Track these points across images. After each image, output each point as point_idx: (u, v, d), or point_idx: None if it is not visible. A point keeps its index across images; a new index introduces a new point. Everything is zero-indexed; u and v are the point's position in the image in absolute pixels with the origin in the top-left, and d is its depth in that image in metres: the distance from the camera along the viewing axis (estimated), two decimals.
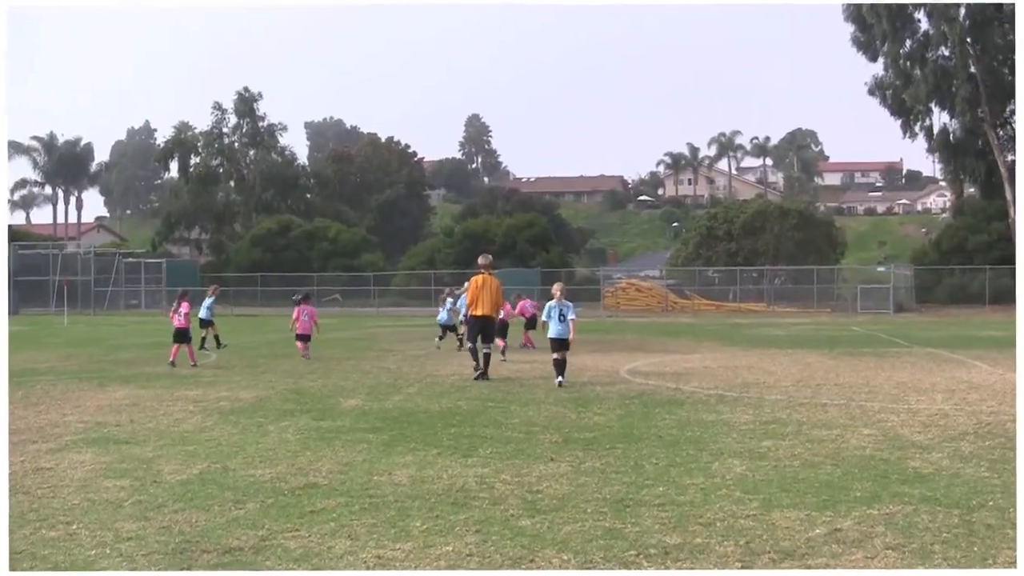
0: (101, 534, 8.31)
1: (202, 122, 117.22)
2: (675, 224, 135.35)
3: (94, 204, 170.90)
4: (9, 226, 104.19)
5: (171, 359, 24.51)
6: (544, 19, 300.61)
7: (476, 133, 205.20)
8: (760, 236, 75.68)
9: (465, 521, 8.59)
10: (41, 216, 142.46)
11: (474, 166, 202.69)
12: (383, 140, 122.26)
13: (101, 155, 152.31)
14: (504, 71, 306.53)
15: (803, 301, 63.60)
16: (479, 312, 21.10)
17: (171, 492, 9.87)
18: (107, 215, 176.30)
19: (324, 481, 10.30)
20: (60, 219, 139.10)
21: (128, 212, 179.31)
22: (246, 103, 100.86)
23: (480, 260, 22.03)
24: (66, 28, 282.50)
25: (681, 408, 15.82)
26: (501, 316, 25.42)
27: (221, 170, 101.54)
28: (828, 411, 15.51)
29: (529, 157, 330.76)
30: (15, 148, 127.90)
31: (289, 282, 67.22)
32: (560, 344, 19.67)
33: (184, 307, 25.49)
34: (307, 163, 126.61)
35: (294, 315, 27.66)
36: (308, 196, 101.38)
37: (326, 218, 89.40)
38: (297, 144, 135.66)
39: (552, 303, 20.17)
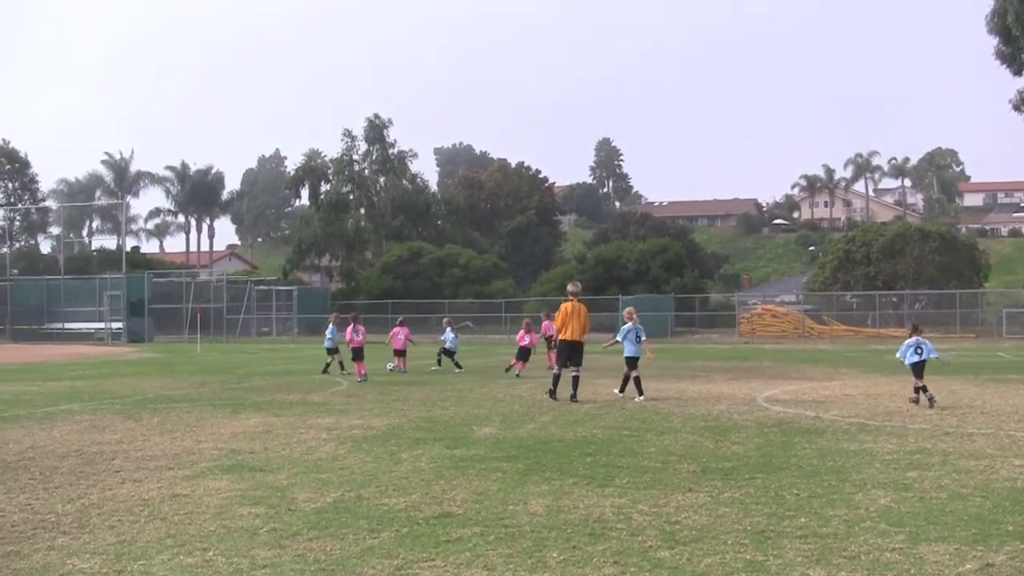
0: (237, 561, 8.31)
1: (332, 149, 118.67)
2: (811, 248, 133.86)
3: (226, 232, 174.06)
4: (144, 254, 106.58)
5: (360, 375, 28.71)
6: (674, 40, 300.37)
7: (607, 157, 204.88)
8: (900, 259, 74.34)
9: (603, 552, 8.43)
10: (174, 244, 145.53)
11: (605, 191, 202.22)
12: (513, 166, 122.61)
13: (232, 183, 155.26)
14: (635, 94, 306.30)
15: (945, 326, 62.12)
16: (568, 337, 22.29)
17: (305, 520, 9.84)
18: (238, 243, 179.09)
19: (459, 510, 10.19)
20: (193, 247, 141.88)
21: (259, 240, 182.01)
22: (376, 130, 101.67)
23: (570, 287, 23.40)
24: (198, 56, 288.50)
25: (821, 437, 15.45)
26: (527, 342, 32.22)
27: (351, 197, 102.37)
28: (975, 440, 15.05)
29: (661, 181, 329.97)
30: (149, 178, 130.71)
31: (420, 309, 67.55)
32: (635, 362, 22.58)
33: (361, 329, 30.06)
34: (437, 189, 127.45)
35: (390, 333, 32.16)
36: (439, 223, 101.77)
37: (457, 245, 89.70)
38: (427, 170, 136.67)
39: (628, 326, 22.80)
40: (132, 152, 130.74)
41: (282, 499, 10.87)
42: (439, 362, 34.06)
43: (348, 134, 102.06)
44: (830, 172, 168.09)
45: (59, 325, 72.76)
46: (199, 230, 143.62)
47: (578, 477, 12.01)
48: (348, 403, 22.17)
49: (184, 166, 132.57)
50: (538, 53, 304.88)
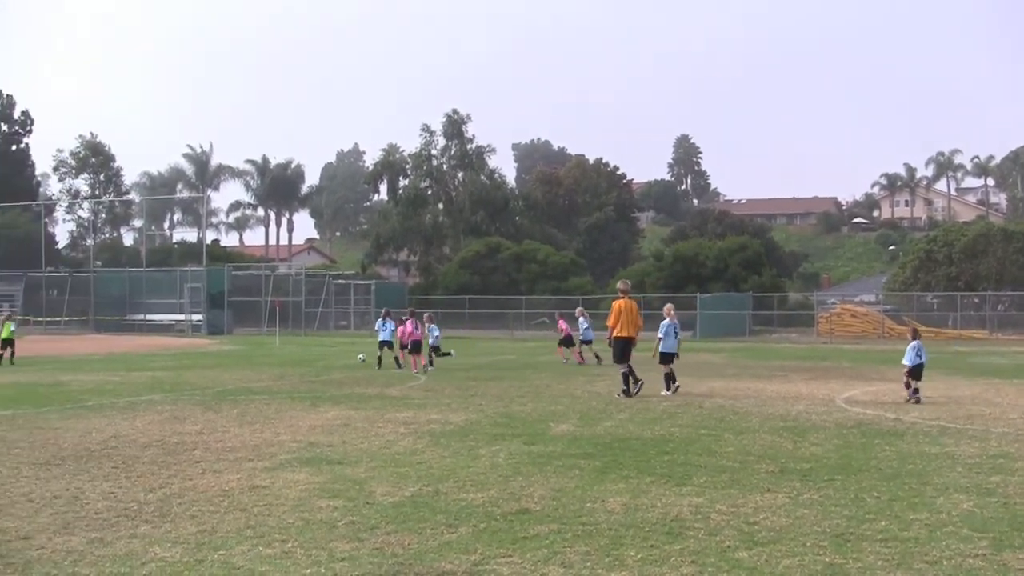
0: (316, 553, 8.38)
1: (411, 144, 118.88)
2: (891, 247, 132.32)
3: (305, 226, 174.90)
4: (224, 247, 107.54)
5: (417, 368, 30.29)
6: (753, 36, 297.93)
7: (685, 154, 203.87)
8: (982, 260, 73.19)
9: (680, 552, 8.41)
10: (254, 238, 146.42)
11: (683, 188, 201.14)
12: (591, 162, 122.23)
13: (312, 178, 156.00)
14: (714, 91, 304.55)
15: None
16: (624, 334, 22.77)
17: (384, 514, 9.90)
18: (317, 237, 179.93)
19: (536, 507, 10.21)
20: (272, 241, 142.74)
21: (337, 234, 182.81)
22: (455, 125, 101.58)
23: (620, 286, 23.86)
24: (279, 51, 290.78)
25: (902, 440, 15.29)
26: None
27: (430, 192, 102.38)
28: None
29: (740, 178, 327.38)
30: (229, 172, 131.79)
31: (497, 304, 67.65)
32: (672, 357, 23.18)
33: (418, 324, 31.29)
34: (515, 185, 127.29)
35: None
36: (517, 218, 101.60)
37: (534, 241, 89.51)
38: (505, 166, 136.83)
39: (667, 322, 23.36)
40: (212, 146, 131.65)
41: (360, 492, 10.94)
42: (431, 361, 32.46)
43: (427, 129, 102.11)
44: (911, 171, 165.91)
45: (141, 316, 73.54)
46: (278, 224, 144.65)
47: (656, 475, 11.99)
48: (426, 397, 22.26)
49: (264, 160, 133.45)
50: (617, 48, 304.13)
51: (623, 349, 22.65)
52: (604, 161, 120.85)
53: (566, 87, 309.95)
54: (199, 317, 70.64)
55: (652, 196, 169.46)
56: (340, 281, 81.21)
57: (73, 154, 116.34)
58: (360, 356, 34.70)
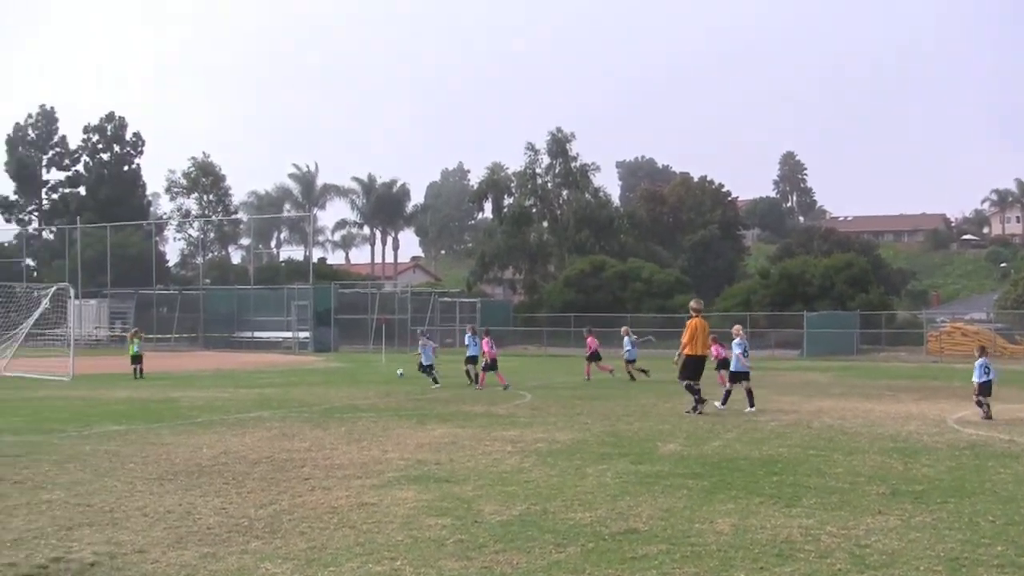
0: (424, 571, 8.43)
1: (515, 162, 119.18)
2: (1002, 264, 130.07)
3: (410, 244, 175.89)
4: (330, 265, 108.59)
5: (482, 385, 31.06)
6: (860, 52, 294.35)
7: (790, 171, 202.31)
8: None
9: (791, 574, 8.36)
10: (360, 256, 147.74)
11: (789, 205, 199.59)
12: (696, 179, 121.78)
13: (417, 196, 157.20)
14: (819, 107, 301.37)
15: None
16: (698, 352, 23.23)
17: (492, 532, 9.91)
18: (422, 255, 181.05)
19: (644, 527, 10.16)
20: (378, 259, 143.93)
21: (442, 252, 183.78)
22: (559, 143, 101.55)
23: (693, 304, 24.18)
24: (384, 72, 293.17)
25: (1017, 462, 15.01)
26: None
27: (534, 210, 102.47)
28: None
29: (846, 195, 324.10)
30: (335, 191, 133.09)
31: (602, 323, 67.32)
32: (745, 376, 23.76)
33: (486, 343, 32.17)
34: (619, 203, 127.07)
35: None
36: (621, 236, 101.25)
37: (639, 259, 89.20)
38: (609, 184, 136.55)
39: (737, 341, 23.95)
40: (317, 165, 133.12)
41: (468, 511, 10.97)
42: (434, 379, 32.66)
43: (531, 148, 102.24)
44: (1023, 186, 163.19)
45: (248, 334, 74.46)
46: (384, 242, 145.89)
47: (764, 496, 11.89)
48: (532, 416, 22.26)
49: (370, 178, 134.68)
50: (722, 67, 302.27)
51: (695, 367, 23.13)
52: (709, 179, 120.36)
53: (670, 104, 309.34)
54: (306, 335, 71.31)
55: (757, 213, 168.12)
56: (445, 299, 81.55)
57: (185, 174, 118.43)
58: (399, 372, 35.00)
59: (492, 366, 32.02)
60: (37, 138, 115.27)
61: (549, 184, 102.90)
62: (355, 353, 63.92)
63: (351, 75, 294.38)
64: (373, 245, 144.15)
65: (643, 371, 35.71)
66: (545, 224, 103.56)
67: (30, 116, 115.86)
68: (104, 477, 13.30)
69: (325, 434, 18.37)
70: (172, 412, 22.98)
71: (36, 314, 40.70)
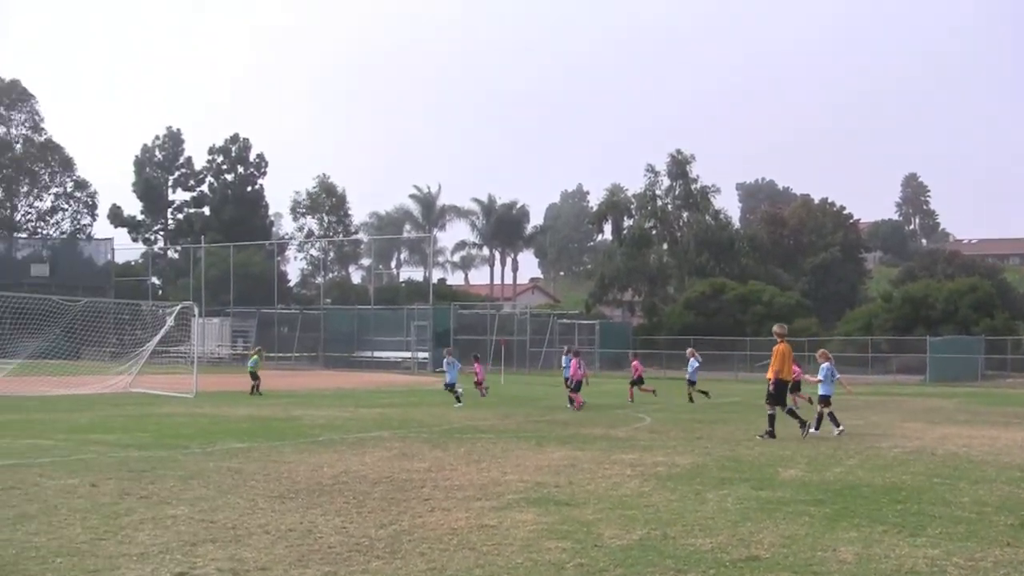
0: None
1: (635, 184, 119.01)
2: None
3: (529, 265, 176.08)
4: (449, 286, 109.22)
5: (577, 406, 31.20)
6: (984, 74, 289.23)
7: (913, 193, 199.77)
8: None
9: None
10: (479, 277, 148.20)
11: (911, 227, 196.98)
12: (816, 201, 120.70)
13: (536, 218, 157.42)
14: (943, 128, 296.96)
15: None
16: (786, 377, 23.18)
17: (612, 557, 9.85)
18: (541, 276, 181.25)
19: (766, 554, 10.04)
20: (497, 280, 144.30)
21: (561, 273, 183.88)
22: (679, 165, 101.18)
23: (778, 330, 23.96)
24: (504, 94, 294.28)
25: None
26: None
27: (654, 232, 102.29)
28: None
29: (970, 217, 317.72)
30: (455, 212, 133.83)
31: (722, 346, 67.00)
32: (829, 400, 23.95)
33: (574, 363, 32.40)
34: (739, 225, 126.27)
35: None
36: (742, 259, 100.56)
37: (759, 281, 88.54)
38: (730, 206, 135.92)
39: (825, 365, 23.99)
40: (440, 187, 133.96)
41: (588, 534, 10.91)
42: (457, 398, 33.63)
43: (651, 169, 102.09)
44: None
45: (368, 353, 75.16)
46: (503, 263, 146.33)
47: (888, 525, 11.68)
48: (652, 439, 22.16)
49: (490, 200, 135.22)
50: (842, 87, 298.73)
51: (784, 391, 23.23)
52: (830, 200, 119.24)
53: (789, 125, 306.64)
54: (425, 355, 71.77)
55: (879, 236, 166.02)
56: (564, 321, 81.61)
57: (310, 194, 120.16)
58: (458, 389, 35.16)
59: (575, 387, 32.20)
60: (164, 159, 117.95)
61: (669, 206, 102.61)
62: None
63: (471, 97, 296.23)
64: (492, 266, 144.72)
65: (703, 392, 36.34)
66: (665, 246, 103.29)
67: (157, 138, 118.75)
68: (227, 494, 13.46)
69: (445, 455, 18.43)
70: (294, 430, 23.23)
71: (161, 332, 41.45)
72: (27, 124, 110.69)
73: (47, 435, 21.34)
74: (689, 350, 38.92)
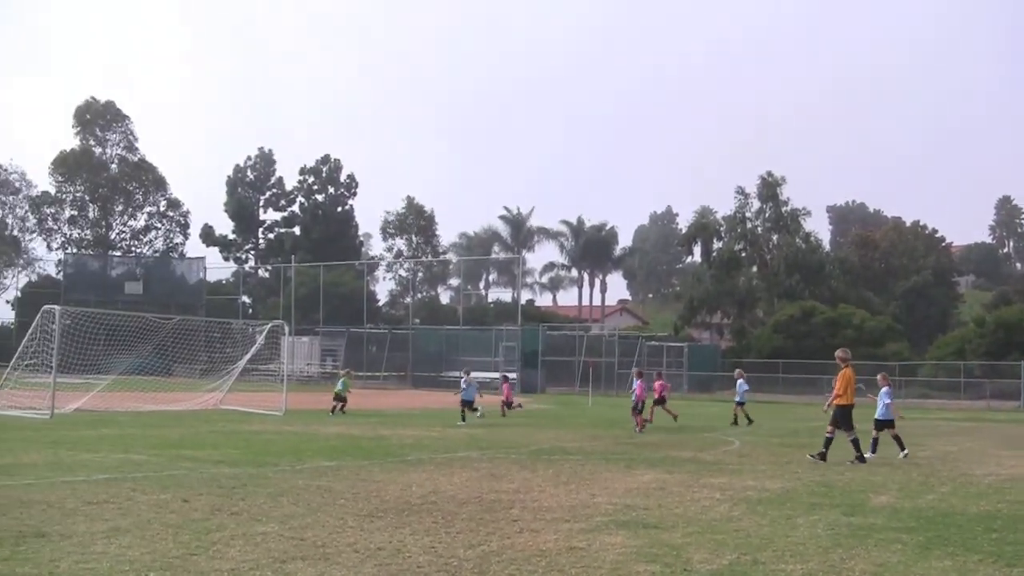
0: None
1: (724, 206, 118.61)
2: None
3: (617, 287, 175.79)
4: (538, 307, 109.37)
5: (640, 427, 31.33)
6: None
7: (1007, 216, 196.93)
8: None
9: None
10: (567, 298, 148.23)
11: (1005, 251, 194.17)
12: (908, 224, 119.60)
13: (625, 239, 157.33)
14: None
15: None
16: (850, 402, 23.00)
17: None
18: (630, 298, 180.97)
19: None
20: (585, 301, 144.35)
21: (650, 295, 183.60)
22: (769, 187, 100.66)
23: (842, 355, 23.78)
24: (594, 117, 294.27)
25: None
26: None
27: (743, 255, 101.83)
28: None
29: None
30: (544, 233, 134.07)
31: (810, 369, 66.37)
32: (889, 424, 24.36)
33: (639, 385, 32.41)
34: (829, 248, 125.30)
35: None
36: (832, 282, 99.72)
37: (849, 305, 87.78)
38: (820, 228, 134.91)
39: (885, 389, 24.50)
40: (532, 209, 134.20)
41: (677, 558, 10.84)
42: (463, 416, 34.53)
43: (741, 192, 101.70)
44: None
45: (456, 373, 75.27)
46: (592, 285, 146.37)
47: (983, 554, 11.49)
48: (741, 463, 22.02)
49: (579, 221, 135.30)
50: (935, 108, 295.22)
51: (849, 416, 22.92)
52: (921, 223, 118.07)
53: (882, 147, 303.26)
54: (513, 376, 71.80)
55: (972, 260, 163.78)
56: (653, 343, 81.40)
57: (398, 215, 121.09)
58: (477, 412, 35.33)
59: (637, 406, 32.19)
60: (255, 179, 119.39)
61: (759, 228, 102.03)
62: (561, 395, 64.13)
63: (560, 121, 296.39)
64: (581, 288, 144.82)
65: (748, 418, 36.35)
66: (754, 269, 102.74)
67: (249, 158, 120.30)
68: (316, 512, 13.54)
69: (533, 476, 18.42)
70: (382, 449, 23.33)
71: (252, 350, 41.91)
72: (121, 144, 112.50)
73: (140, 450, 21.62)
74: (737, 371, 39.20)
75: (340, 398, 37.30)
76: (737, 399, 37.37)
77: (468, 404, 34.92)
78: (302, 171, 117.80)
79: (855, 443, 22.59)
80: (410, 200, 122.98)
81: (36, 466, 18.10)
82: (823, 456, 22.38)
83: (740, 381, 37.70)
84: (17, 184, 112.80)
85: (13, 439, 23.35)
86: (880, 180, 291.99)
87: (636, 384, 32.56)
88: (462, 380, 36.59)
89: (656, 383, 37.28)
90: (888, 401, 24.26)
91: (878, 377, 24.89)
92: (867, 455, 23.00)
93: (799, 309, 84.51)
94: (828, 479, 18.92)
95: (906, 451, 23.74)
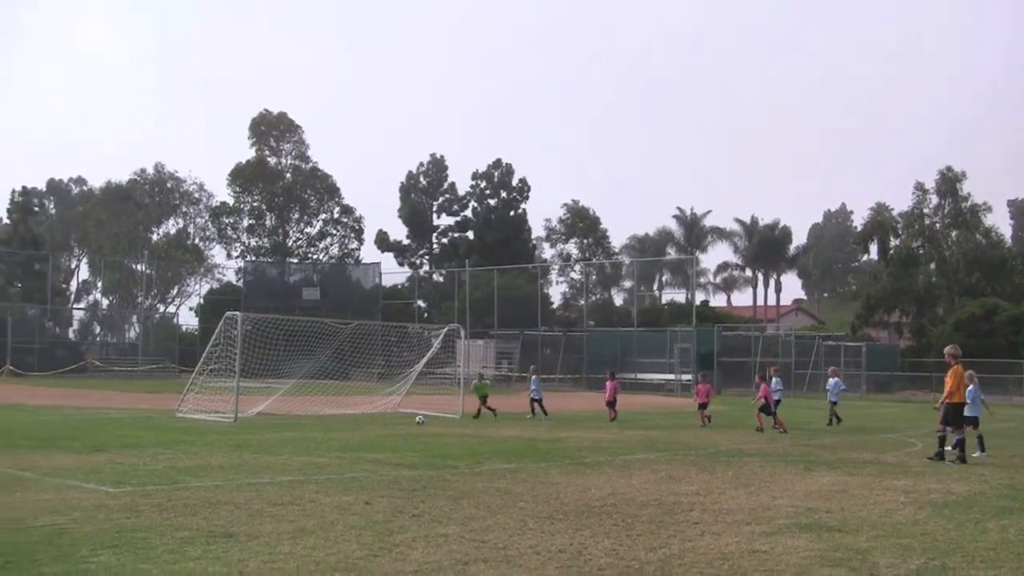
0: None
1: (901, 203, 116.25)
2: None
3: (792, 287, 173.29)
4: (712, 308, 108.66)
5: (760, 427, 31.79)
6: None
7: None
8: None
9: None
10: (741, 299, 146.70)
11: None
12: None
13: (799, 238, 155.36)
14: None
15: None
16: (958, 399, 22.89)
17: None
18: (805, 297, 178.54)
19: None
20: (760, 301, 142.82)
21: (825, 295, 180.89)
22: (948, 183, 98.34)
23: (952, 351, 23.56)
24: (755, 119, 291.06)
25: None
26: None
27: (922, 252, 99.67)
28: None
29: None
30: (717, 233, 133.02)
31: (996, 369, 64.66)
32: (976, 421, 23.70)
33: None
34: (1011, 243, 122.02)
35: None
36: (1015, 279, 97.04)
37: None
38: (1001, 223, 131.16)
39: (972, 388, 23.47)
40: (709, 210, 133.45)
41: (863, 562, 10.66)
42: (532, 411, 36.94)
43: (919, 187, 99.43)
44: None
45: (631, 375, 75.10)
46: (766, 285, 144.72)
47: None
48: (924, 465, 21.57)
49: (753, 221, 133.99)
50: None
51: (959, 414, 22.83)
52: None
53: None
54: (689, 377, 71.43)
55: None
56: (830, 343, 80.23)
57: (561, 221, 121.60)
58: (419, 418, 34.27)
59: (765, 407, 32.23)
60: (428, 185, 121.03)
61: (937, 225, 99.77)
62: (737, 396, 63.52)
63: (729, 120, 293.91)
64: (755, 287, 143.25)
65: (837, 417, 35.94)
66: (933, 266, 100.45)
67: (421, 165, 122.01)
68: (496, 514, 13.62)
69: (712, 478, 18.29)
70: (559, 452, 23.39)
71: (429, 354, 42.35)
72: (294, 154, 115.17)
73: (322, 453, 22.02)
74: (832, 369, 38.72)
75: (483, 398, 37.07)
76: (830, 398, 36.71)
77: (538, 403, 36.64)
78: (474, 176, 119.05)
79: (960, 443, 22.30)
80: (570, 205, 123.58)
81: (222, 468, 18.57)
82: (962, 459, 21.98)
83: (836, 380, 37.08)
84: (197, 195, 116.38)
85: (199, 442, 23.97)
86: None
87: (767, 384, 32.47)
88: (532, 379, 37.95)
89: (697, 386, 37.82)
90: (968, 401, 23.43)
91: (966, 376, 24.15)
92: (976, 454, 23.10)
93: (980, 307, 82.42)
94: (1016, 482, 18.46)
95: (984, 452, 23.83)
